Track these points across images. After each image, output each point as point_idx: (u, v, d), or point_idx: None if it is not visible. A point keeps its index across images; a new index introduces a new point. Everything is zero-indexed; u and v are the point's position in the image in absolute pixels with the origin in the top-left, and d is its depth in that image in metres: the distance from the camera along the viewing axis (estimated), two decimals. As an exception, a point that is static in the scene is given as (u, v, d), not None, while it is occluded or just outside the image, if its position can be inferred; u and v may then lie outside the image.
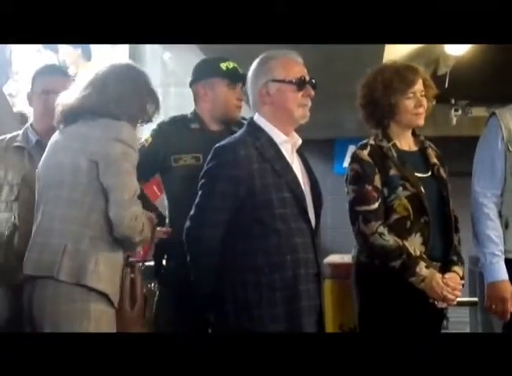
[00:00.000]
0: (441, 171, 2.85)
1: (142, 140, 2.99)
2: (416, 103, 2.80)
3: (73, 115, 2.49)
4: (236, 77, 2.96)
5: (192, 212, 2.54)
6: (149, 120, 2.62)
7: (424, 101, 2.82)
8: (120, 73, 2.55)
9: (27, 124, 2.99)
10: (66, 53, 5.66)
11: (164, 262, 2.96)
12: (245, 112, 2.81)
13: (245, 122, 2.90)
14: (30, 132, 2.94)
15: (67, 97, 2.52)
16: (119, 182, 2.40)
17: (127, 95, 2.50)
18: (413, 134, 2.91)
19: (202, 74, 3.00)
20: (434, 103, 2.92)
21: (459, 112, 9.06)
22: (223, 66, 2.97)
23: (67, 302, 2.34)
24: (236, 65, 3.00)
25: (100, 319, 2.36)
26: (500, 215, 2.89)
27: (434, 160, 2.86)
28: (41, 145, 2.80)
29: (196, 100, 3.03)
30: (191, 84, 3.04)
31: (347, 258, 3.66)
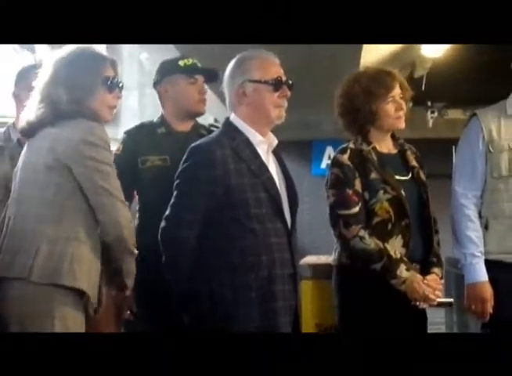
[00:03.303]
0: (421, 173, 2.86)
1: (114, 150, 3.00)
2: (397, 107, 2.81)
3: (33, 131, 2.44)
4: (194, 71, 3.01)
5: (167, 212, 2.53)
6: (118, 83, 2.50)
7: (403, 104, 2.83)
8: (58, 71, 2.44)
9: (9, 123, 2.96)
10: (44, 54, 5.61)
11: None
12: (221, 112, 2.80)
13: (214, 129, 2.92)
14: (12, 131, 2.91)
15: (27, 112, 2.46)
16: (104, 187, 2.36)
17: (82, 82, 2.42)
18: (392, 137, 2.92)
19: (162, 74, 3.06)
20: (410, 105, 2.94)
21: (436, 114, 9.15)
22: (181, 63, 3.02)
23: (32, 303, 2.30)
24: (195, 61, 3.05)
25: (66, 320, 2.32)
26: (480, 216, 2.91)
27: (414, 162, 2.87)
28: (22, 143, 2.76)
29: (160, 102, 3.09)
30: (154, 87, 3.09)
31: (324, 259, 3.67)
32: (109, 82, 2.47)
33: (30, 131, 2.45)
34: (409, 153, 2.89)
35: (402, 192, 2.75)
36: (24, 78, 2.89)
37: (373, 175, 2.77)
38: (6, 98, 3.01)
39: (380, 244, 2.70)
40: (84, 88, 2.43)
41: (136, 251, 2.46)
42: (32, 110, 2.45)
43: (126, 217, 2.41)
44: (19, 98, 2.90)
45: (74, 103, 2.40)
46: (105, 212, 2.37)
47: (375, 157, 2.80)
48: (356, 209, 2.74)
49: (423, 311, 2.81)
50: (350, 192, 2.74)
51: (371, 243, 2.70)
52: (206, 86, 3.07)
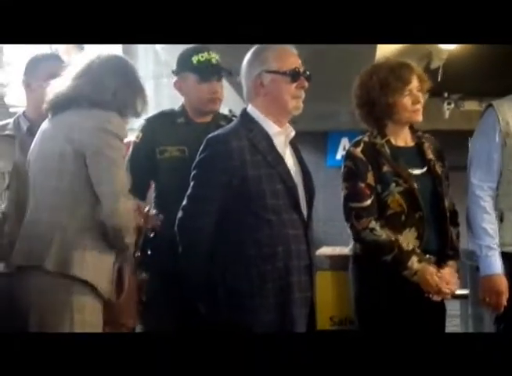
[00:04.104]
0: (437, 166, 2.85)
1: (133, 137, 3.01)
2: (414, 100, 2.80)
3: (64, 103, 2.47)
4: (206, 71, 2.94)
5: (184, 203, 2.54)
6: (136, 115, 2.60)
7: (421, 97, 2.82)
8: (113, 65, 2.52)
9: (19, 112, 2.97)
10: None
11: (149, 251, 2.95)
12: (236, 103, 2.81)
13: (233, 118, 2.92)
14: (22, 120, 2.92)
15: (60, 85, 2.50)
16: (109, 175, 2.37)
17: (121, 88, 2.48)
18: (411, 129, 2.91)
19: (177, 68, 3.02)
20: (426, 96, 2.93)
21: (452, 105, 9.10)
22: (194, 59, 2.94)
23: (51, 293, 2.33)
24: (209, 57, 2.95)
25: (83, 311, 2.34)
26: (495, 208, 2.90)
27: (430, 155, 2.86)
28: (32, 132, 2.77)
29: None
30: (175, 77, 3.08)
31: (338, 250, 3.68)
32: (134, 112, 2.55)
33: (61, 102, 2.46)
34: (426, 145, 2.88)
35: (415, 184, 2.75)
36: (35, 67, 2.88)
37: (386, 168, 2.77)
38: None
39: (392, 236, 2.71)
40: (123, 96, 2.49)
41: (130, 250, 2.46)
42: (67, 81, 2.47)
43: (124, 208, 2.38)
44: (30, 87, 2.89)
45: (111, 99, 2.45)
46: (104, 200, 2.36)
47: (388, 151, 2.79)
48: (368, 202, 2.74)
49: (442, 303, 2.80)
50: (362, 185, 2.75)
51: (382, 234, 2.70)
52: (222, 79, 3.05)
